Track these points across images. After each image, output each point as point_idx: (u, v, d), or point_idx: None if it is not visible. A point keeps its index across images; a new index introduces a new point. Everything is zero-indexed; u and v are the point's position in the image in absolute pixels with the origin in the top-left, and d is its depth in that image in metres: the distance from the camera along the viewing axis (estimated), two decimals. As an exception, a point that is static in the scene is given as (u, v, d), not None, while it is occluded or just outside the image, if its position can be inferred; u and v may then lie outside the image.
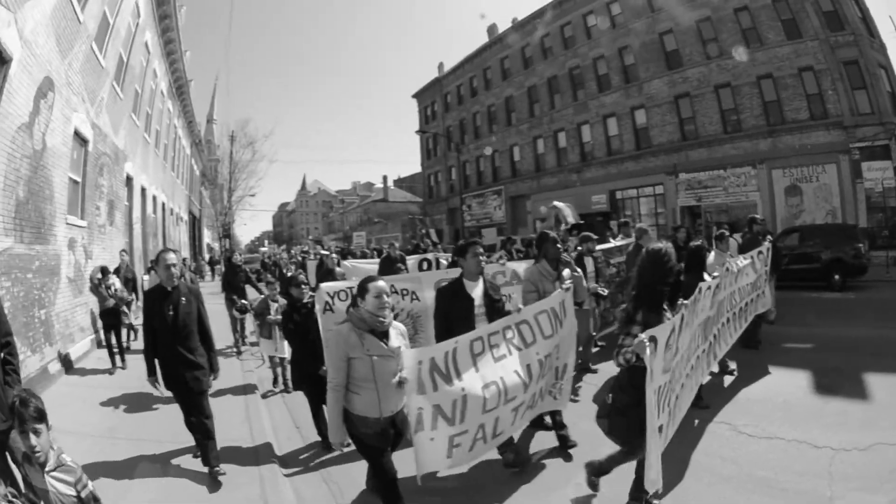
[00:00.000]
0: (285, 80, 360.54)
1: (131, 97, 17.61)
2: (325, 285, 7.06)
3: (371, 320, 4.42)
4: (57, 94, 10.14)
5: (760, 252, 9.42)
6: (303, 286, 7.35)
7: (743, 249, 10.22)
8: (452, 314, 5.59)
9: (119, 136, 16.02)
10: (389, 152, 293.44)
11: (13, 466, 3.76)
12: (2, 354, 4.15)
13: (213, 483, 5.66)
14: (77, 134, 11.76)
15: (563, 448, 6.15)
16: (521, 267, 8.52)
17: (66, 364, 10.15)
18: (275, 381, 9.43)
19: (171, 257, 5.94)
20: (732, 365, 8.83)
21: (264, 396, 8.97)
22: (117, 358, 10.42)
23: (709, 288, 6.18)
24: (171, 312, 5.75)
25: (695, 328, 5.63)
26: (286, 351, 8.91)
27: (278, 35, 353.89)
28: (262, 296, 10.84)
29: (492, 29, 46.03)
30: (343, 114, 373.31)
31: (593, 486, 5.07)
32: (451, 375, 4.72)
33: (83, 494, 3.17)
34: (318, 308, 6.70)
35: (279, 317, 8.84)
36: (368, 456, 4.48)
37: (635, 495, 4.79)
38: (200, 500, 5.42)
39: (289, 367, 8.79)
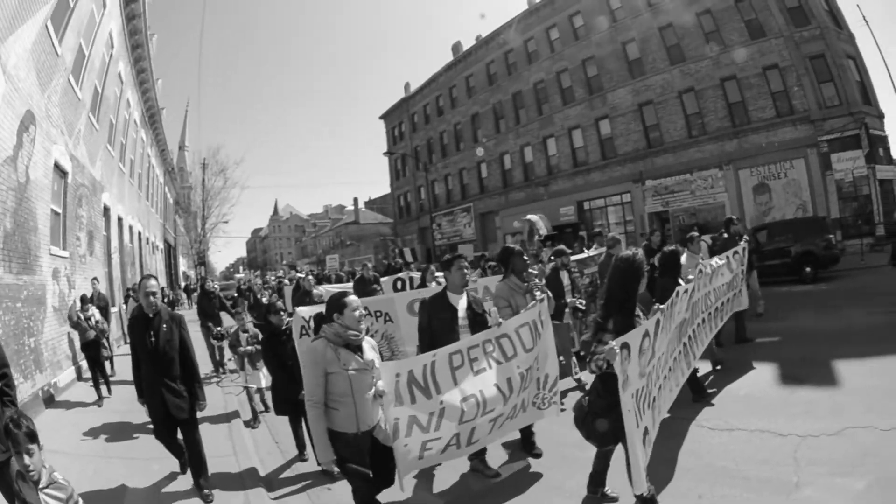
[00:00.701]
0: (256, 106, 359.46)
1: (106, 128, 17.82)
2: (300, 309, 7.15)
3: (346, 335, 4.48)
4: (38, 127, 10.39)
5: (736, 252, 9.49)
6: (281, 312, 7.36)
7: (720, 250, 10.22)
8: (436, 327, 5.65)
9: (96, 167, 16.21)
10: (360, 174, 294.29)
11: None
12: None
13: (205, 501, 5.77)
14: (57, 166, 11.96)
15: (529, 453, 6.25)
16: (491, 283, 8.39)
17: (56, 390, 10.35)
18: (253, 416, 9.07)
19: (152, 284, 5.96)
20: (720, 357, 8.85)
21: (247, 425, 8.81)
22: (103, 388, 10.32)
23: (685, 291, 6.25)
24: (152, 339, 5.77)
25: (672, 331, 5.68)
26: (262, 381, 8.98)
27: (248, 61, 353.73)
28: (235, 325, 11.10)
29: (456, 47, 46.67)
30: (313, 138, 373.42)
31: (603, 496, 5.05)
32: (430, 389, 4.86)
33: None
34: (295, 332, 6.79)
35: (249, 347, 8.98)
36: (351, 480, 4.38)
37: (592, 489, 5.03)
38: None
39: (262, 396, 9.16)
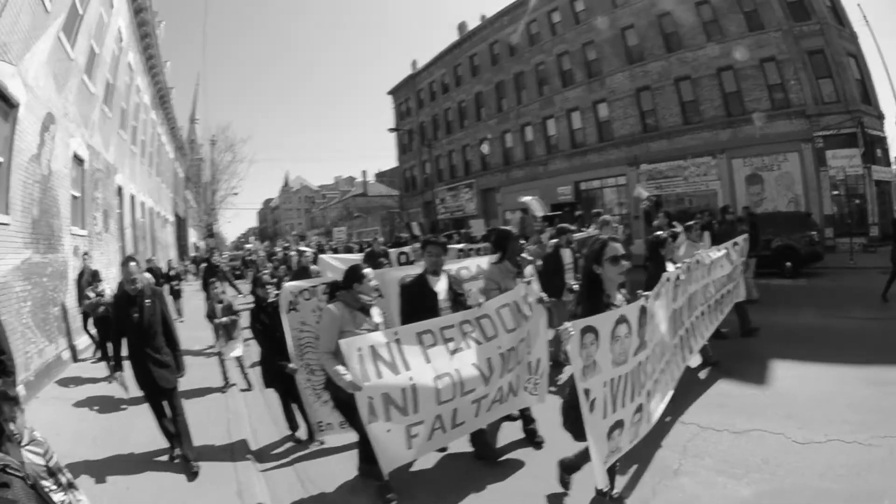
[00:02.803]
0: (268, 80, 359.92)
1: (118, 115, 19.02)
2: (288, 285, 7.07)
3: (363, 300, 5.28)
4: (57, 125, 11.64)
5: (736, 243, 9.27)
6: (267, 286, 7.48)
7: (719, 239, 10.00)
8: (417, 309, 5.64)
9: (110, 152, 17.54)
10: (371, 147, 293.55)
11: None
12: None
13: (190, 477, 5.91)
14: (75, 156, 13.31)
15: (531, 442, 6.21)
16: (483, 261, 7.88)
17: (74, 352, 11.60)
18: (225, 383, 9.48)
19: (134, 268, 6.20)
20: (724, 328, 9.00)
21: (221, 391, 9.22)
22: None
23: (668, 280, 6.05)
24: (136, 315, 6.04)
25: (665, 321, 5.58)
26: (238, 351, 9.51)
27: (257, 37, 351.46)
28: (238, 294, 11.93)
29: (462, 27, 47.23)
30: (326, 111, 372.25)
31: (565, 484, 5.02)
32: (397, 364, 4.88)
33: (50, 464, 3.38)
34: (282, 306, 6.71)
35: (224, 318, 9.47)
36: (353, 415, 4.94)
37: (562, 477, 5.02)
38: (178, 491, 5.63)
39: (245, 367, 9.62)
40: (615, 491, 4.81)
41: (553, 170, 37.21)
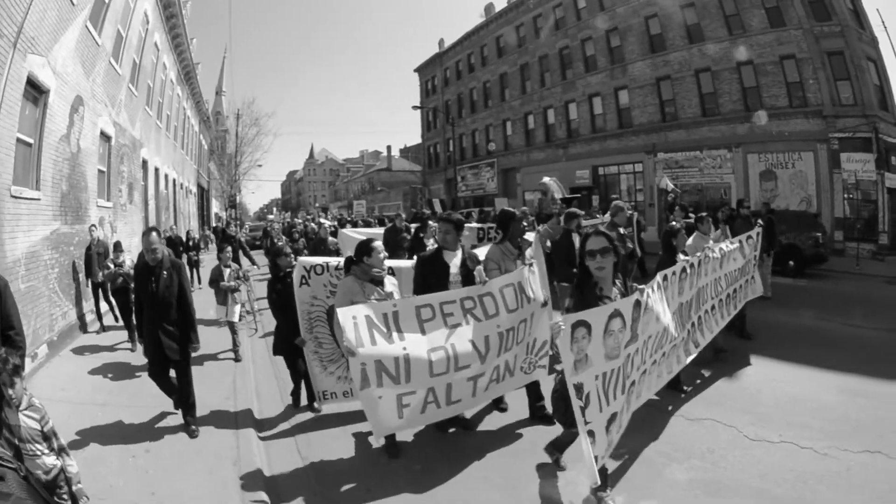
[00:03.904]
0: (297, 54, 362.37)
1: (144, 92, 19.84)
2: (301, 260, 7.14)
3: (371, 272, 5.58)
4: (85, 106, 12.43)
5: (749, 237, 9.10)
6: (289, 256, 7.58)
7: (734, 233, 9.85)
8: (429, 280, 5.80)
9: (135, 128, 18.41)
10: (398, 123, 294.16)
11: None
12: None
13: (191, 435, 6.26)
14: (102, 133, 14.14)
15: (541, 418, 6.34)
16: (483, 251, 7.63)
17: (101, 315, 11.90)
18: (235, 349, 9.70)
19: (154, 238, 6.30)
20: (725, 348, 8.75)
21: (238, 357, 9.52)
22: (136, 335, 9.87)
23: (674, 273, 6.14)
24: (153, 285, 6.20)
25: (666, 314, 5.57)
26: (236, 315, 9.87)
27: (286, 11, 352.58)
28: (252, 265, 12.30)
29: (489, 8, 47.48)
30: (354, 85, 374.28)
31: (557, 463, 5.20)
32: (392, 333, 5.02)
33: (45, 429, 3.52)
34: (295, 280, 6.80)
35: (232, 283, 9.86)
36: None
37: (550, 450, 5.22)
38: (179, 458, 5.77)
39: (239, 332, 9.89)
40: (608, 492, 4.73)
41: (573, 153, 37.39)
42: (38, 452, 3.42)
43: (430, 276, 5.83)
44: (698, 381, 7.55)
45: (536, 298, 5.86)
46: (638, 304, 4.64)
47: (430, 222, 11.89)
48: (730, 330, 9.02)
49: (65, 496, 3.55)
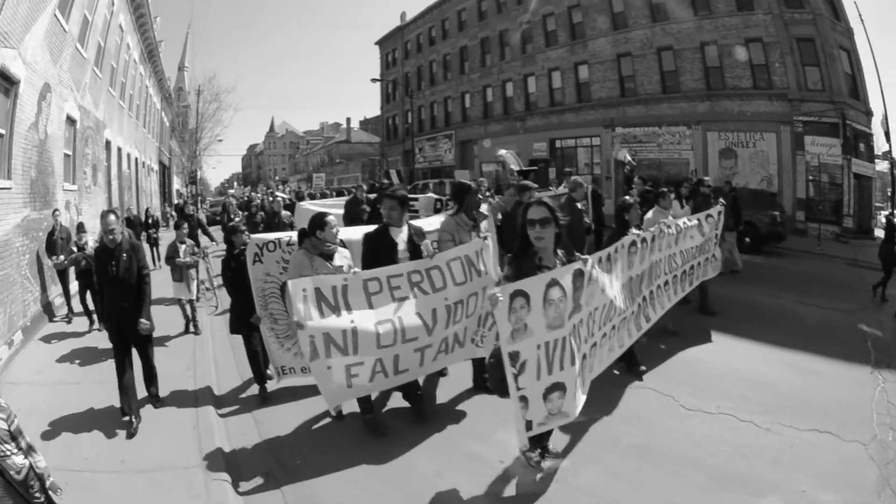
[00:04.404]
0: (257, 26, 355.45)
1: (108, 74, 19.67)
2: (255, 237, 7.18)
3: (321, 246, 5.65)
4: (52, 92, 12.46)
5: (710, 215, 9.02)
6: (243, 233, 7.63)
7: (694, 211, 9.78)
8: (378, 257, 5.64)
9: (99, 110, 18.32)
10: (359, 95, 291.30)
11: None
12: None
13: (156, 405, 6.66)
14: (68, 118, 14.15)
15: (485, 389, 6.42)
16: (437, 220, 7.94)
17: (70, 297, 11.83)
18: (187, 326, 9.97)
19: (112, 220, 6.38)
20: (674, 327, 8.70)
21: (197, 330, 9.83)
22: (95, 317, 10.41)
23: (623, 246, 6.10)
24: (114, 268, 6.26)
25: (614, 286, 5.60)
26: (193, 292, 10.11)
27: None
28: (212, 241, 12.48)
29: (451, -19, 47.32)
30: (316, 58, 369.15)
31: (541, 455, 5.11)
32: (340, 307, 5.05)
33: (12, 428, 3.50)
34: (248, 258, 6.85)
35: (188, 259, 10.03)
36: None
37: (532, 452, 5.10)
38: (141, 438, 5.92)
39: (197, 309, 10.15)
40: (548, 459, 5.00)
41: (530, 126, 37.78)
42: (8, 453, 3.42)
43: (379, 254, 5.73)
44: (641, 353, 7.39)
45: (488, 273, 5.92)
46: (580, 273, 4.62)
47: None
48: (683, 306, 9.13)
49: (37, 494, 3.59)
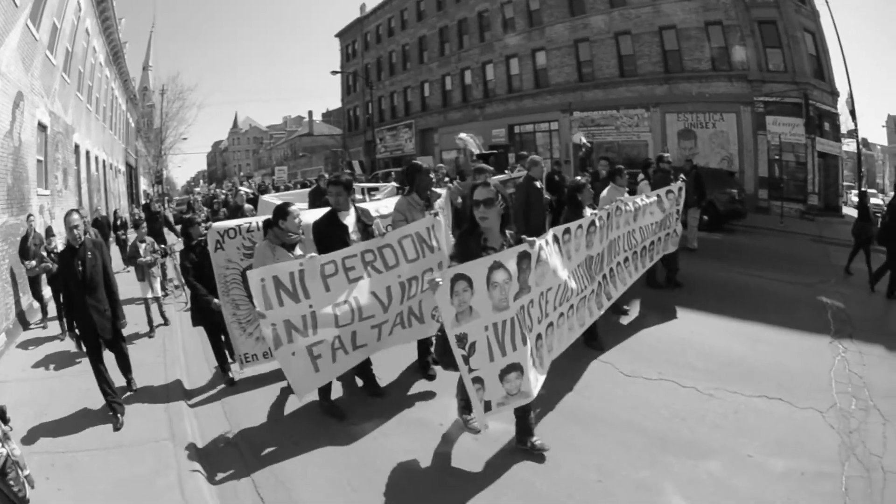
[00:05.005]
0: (219, 21, 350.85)
1: (76, 78, 19.85)
2: (215, 225, 7.26)
3: (283, 236, 5.80)
4: (25, 100, 12.80)
5: (670, 191, 9.04)
6: (199, 226, 7.75)
7: (654, 188, 9.64)
8: (330, 242, 5.66)
9: (68, 115, 18.55)
10: (321, 87, 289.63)
11: None
12: None
13: (130, 388, 6.84)
14: (40, 124, 14.44)
15: (424, 374, 6.73)
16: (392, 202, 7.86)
17: (42, 303, 11.75)
18: (150, 326, 9.80)
19: (75, 218, 6.39)
20: (628, 306, 8.78)
21: (150, 336, 9.61)
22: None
23: (580, 227, 6.10)
24: (80, 268, 6.24)
25: (569, 266, 5.62)
26: (158, 290, 10.19)
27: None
28: (178, 238, 12.16)
29: (410, -29, 47.53)
30: (278, 51, 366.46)
31: (465, 422, 5.33)
32: (298, 293, 5.11)
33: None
34: (210, 245, 6.98)
35: (148, 258, 10.04)
36: None
37: (461, 411, 5.40)
38: (117, 435, 5.95)
39: (163, 305, 10.31)
40: (472, 416, 5.17)
41: (489, 113, 38.29)
42: None
43: (330, 238, 5.76)
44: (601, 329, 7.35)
45: (441, 248, 5.97)
46: (526, 255, 4.63)
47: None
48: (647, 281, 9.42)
49: (12, 481, 3.61)
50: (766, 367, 6.45)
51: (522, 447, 4.93)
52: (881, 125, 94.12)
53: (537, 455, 4.86)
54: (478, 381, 4.33)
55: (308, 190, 14.19)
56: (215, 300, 6.97)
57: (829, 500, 4.21)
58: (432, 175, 7.13)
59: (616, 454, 4.89)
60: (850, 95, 21.28)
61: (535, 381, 4.72)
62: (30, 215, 11.91)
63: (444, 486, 4.62)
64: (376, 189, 15.38)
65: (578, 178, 7.47)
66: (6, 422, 3.77)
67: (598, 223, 6.49)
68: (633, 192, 9.12)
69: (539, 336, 4.96)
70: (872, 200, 19.04)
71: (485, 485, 4.58)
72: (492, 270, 4.34)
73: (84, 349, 7.00)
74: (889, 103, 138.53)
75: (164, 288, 11.95)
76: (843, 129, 28.57)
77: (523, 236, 4.75)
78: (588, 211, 6.75)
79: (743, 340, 7.40)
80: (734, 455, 4.77)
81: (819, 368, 6.48)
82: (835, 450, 4.80)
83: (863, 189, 17.96)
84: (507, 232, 4.74)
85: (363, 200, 11.33)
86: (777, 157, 24.64)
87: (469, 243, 4.57)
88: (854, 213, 13.74)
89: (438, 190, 7.24)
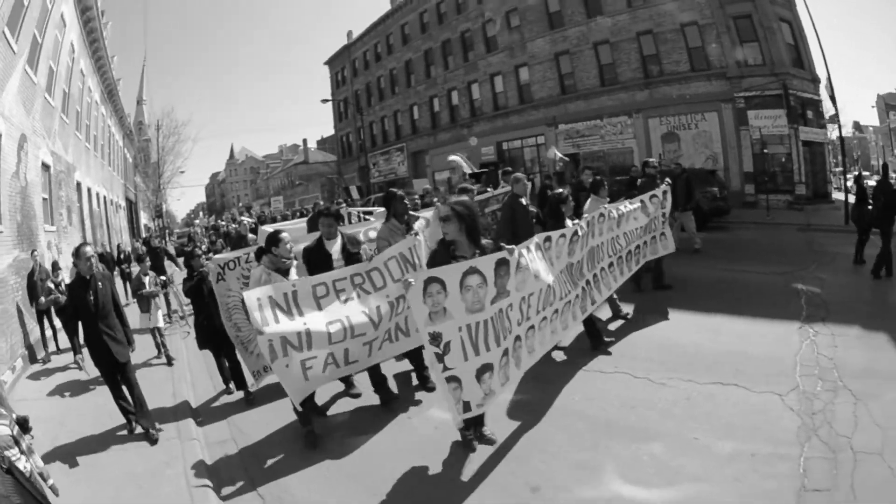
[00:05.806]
0: (212, 55, 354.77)
1: (74, 118, 20.68)
2: (215, 258, 7.77)
3: (277, 261, 5.95)
4: (28, 142, 13.56)
5: (654, 196, 9.15)
6: (200, 258, 8.35)
7: (641, 192, 9.60)
8: (316, 267, 6.12)
9: (69, 154, 19.37)
10: (315, 115, 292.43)
11: None
12: None
13: (151, 443, 6.37)
14: (43, 164, 15.23)
15: (424, 387, 6.92)
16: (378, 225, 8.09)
17: (56, 331, 12.26)
18: (159, 351, 10.11)
19: (88, 250, 6.58)
20: (626, 309, 8.85)
21: (169, 362, 9.83)
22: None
23: (562, 236, 6.26)
24: (92, 298, 6.40)
25: (550, 274, 5.75)
26: (160, 321, 10.26)
27: (198, 13, 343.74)
28: (181, 270, 12.47)
29: (394, -3, 48.46)
30: (272, 82, 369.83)
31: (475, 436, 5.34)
32: (293, 312, 5.36)
33: (14, 433, 3.59)
34: (212, 277, 7.50)
35: (153, 289, 10.43)
36: None
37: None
38: (129, 458, 6.03)
39: (167, 337, 10.37)
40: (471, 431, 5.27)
41: (477, 131, 38.45)
42: (17, 455, 3.51)
43: (316, 264, 6.23)
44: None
45: (422, 266, 6.08)
46: (504, 262, 4.89)
47: (344, 210, 12.67)
48: (635, 282, 9.61)
49: (39, 491, 3.62)
50: (726, 355, 6.56)
51: (477, 435, 5.27)
52: (871, 105, 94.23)
53: (487, 441, 5.22)
54: (453, 380, 4.61)
55: (306, 219, 14.41)
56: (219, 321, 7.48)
57: (784, 481, 4.20)
58: (407, 201, 7.48)
59: (562, 438, 5.18)
60: (829, 79, 21.61)
61: (506, 377, 5.03)
62: (34, 251, 12.21)
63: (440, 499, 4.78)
64: (370, 213, 16.00)
65: (560, 190, 7.65)
66: (27, 430, 3.89)
67: (580, 232, 6.68)
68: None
69: (518, 338, 5.21)
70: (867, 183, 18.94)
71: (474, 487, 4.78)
72: (466, 275, 4.63)
73: (90, 374, 7.27)
74: (878, 83, 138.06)
75: (169, 319, 12.22)
76: (827, 116, 28.72)
77: (502, 244, 5.04)
78: (568, 222, 6.96)
79: (707, 333, 7.51)
80: (679, 438, 4.90)
81: (783, 353, 6.51)
82: (794, 432, 4.81)
83: (856, 172, 17.50)
84: (485, 242, 5.09)
85: (360, 221, 11.75)
86: (764, 151, 24.67)
87: (438, 253, 4.98)
88: (842, 197, 13.45)
89: (427, 213, 7.79)
